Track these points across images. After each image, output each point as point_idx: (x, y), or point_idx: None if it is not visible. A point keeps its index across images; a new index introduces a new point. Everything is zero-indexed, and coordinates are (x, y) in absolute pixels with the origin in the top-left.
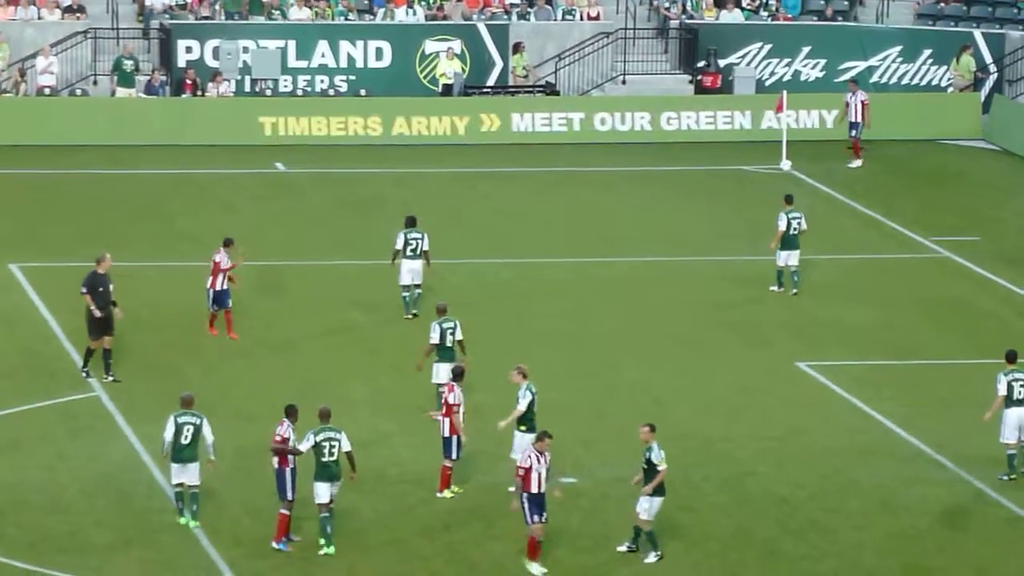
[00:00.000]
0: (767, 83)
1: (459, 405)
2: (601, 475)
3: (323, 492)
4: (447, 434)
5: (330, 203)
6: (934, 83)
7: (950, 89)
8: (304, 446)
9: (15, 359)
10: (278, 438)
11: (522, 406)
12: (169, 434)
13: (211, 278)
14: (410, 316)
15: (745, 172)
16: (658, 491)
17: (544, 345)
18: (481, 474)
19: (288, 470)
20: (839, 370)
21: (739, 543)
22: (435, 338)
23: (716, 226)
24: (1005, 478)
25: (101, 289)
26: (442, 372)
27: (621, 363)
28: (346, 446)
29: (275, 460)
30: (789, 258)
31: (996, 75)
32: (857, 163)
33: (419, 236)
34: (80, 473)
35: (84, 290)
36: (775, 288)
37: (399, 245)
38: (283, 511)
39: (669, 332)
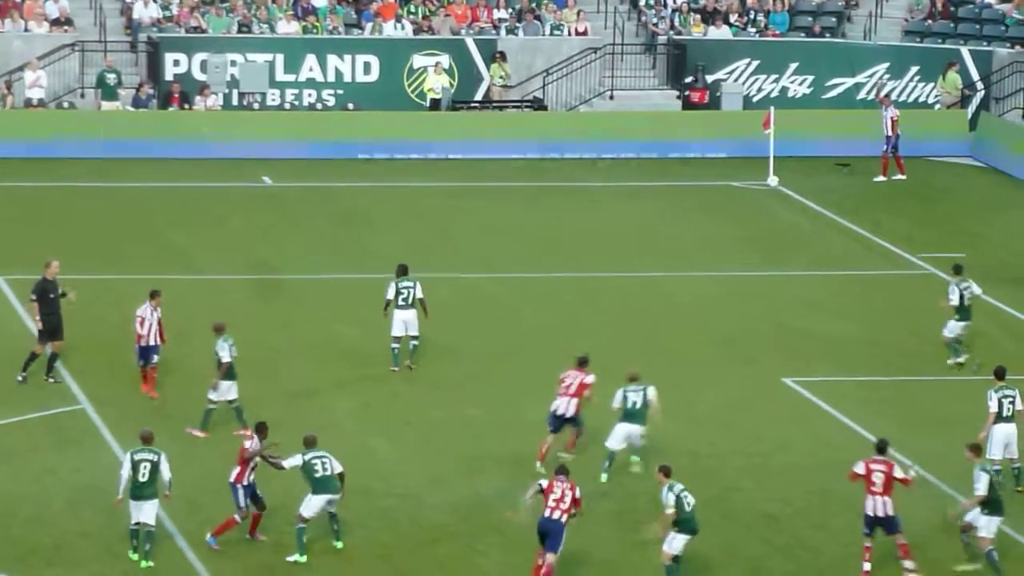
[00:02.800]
0: (755, 99)
1: None
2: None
3: (316, 505)
4: None
5: (318, 216)
6: (921, 100)
7: (937, 106)
8: (289, 463)
9: (2, 371)
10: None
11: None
12: (126, 471)
13: (137, 334)
14: (397, 368)
15: (734, 188)
16: (682, 530)
17: (533, 360)
18: (466, 490)
19: (241, 486)
20: (825, 386)
21: (726, 560)
22: (390, 295)
23: (704, 241)
24: None
25: (52, 296)
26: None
27: (610, 378)
28: (338, 467)
29: (234, 473)
30: (962, 328)
31: (983, 92)
32: (881, 178)
33: (411, 285)
34: (67, 485)
35: (33, 297)
36: (954, 360)
37: (390, 295)
38: (235, 517)
39: (657, 347)
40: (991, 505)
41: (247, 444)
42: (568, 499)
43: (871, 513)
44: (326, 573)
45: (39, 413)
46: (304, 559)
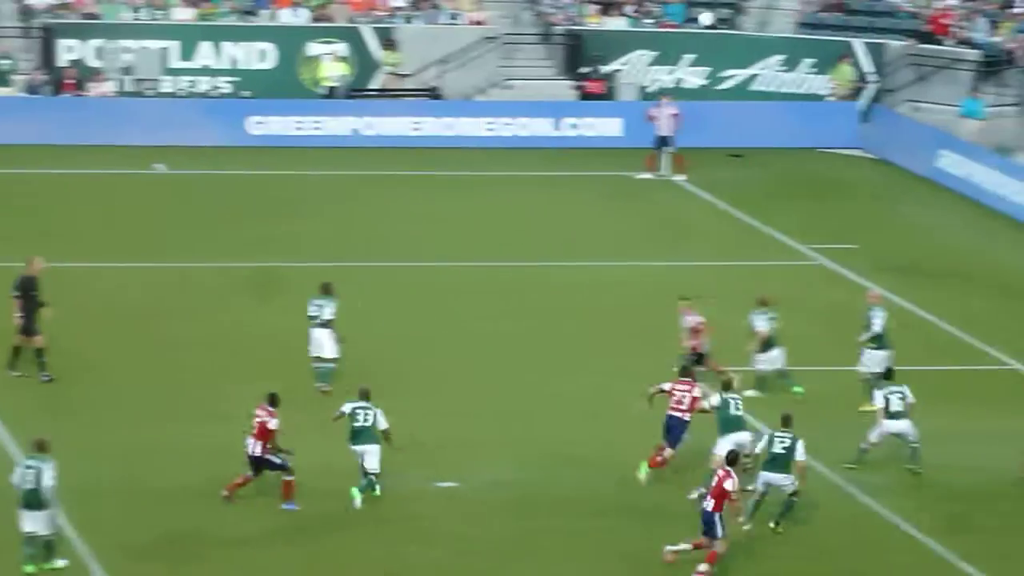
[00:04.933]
0: (650, 90)
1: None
2: (482, 478)
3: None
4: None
5: (212, 204)
6: (814, 91)
7: (830, 97)
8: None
9: None
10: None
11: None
12: (15, 479)
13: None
14: (320, 385)
15: (630, 178)
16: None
17: (446, 348)
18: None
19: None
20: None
21: (609, 553)
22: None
23: (601, 231)
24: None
25: (33, 292)
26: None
27: (522, 366)
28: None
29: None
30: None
31: (875, 84)
32: (657, 175)
33: (322, 303)
34: None
35: (16, 294)
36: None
37: (309, 312)
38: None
39: (570, 336)
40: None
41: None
42: (687, 400)
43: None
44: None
45: None
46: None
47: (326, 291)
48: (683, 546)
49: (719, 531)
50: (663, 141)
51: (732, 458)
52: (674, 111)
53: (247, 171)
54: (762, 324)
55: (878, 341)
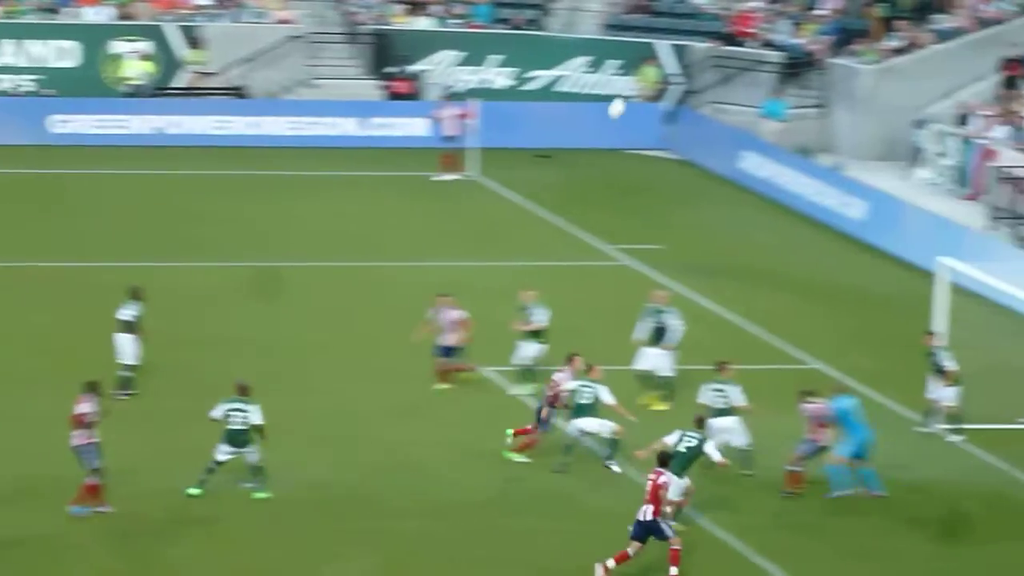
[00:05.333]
0: (457, 90)
1: None
2: (289, 479)
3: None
4: None
5: (19, 204)
6: (621, 92)
7: (636, 98)
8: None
9: None
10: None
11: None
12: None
13: None
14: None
15: (432, 179)
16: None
17: (236, 349)
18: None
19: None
20: (526, 376)
21: (425, 546)
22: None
23: (405, 232)
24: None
25: None
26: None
27: (310, 368)
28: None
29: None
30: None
31: (679, 86)
32: (452, 176)
33: (129, 307)
34: None
35: None
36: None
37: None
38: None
39: (360, 338)
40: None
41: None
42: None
43: (640, 517)
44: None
45: None
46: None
47: (134, 295)
48: (610, 563)
49: (669, 532)
50: (447, 141)
51: (663, 459)
52: (459, 111)
53: (48, 170)
54: (540, 317)
55: (660, 339)
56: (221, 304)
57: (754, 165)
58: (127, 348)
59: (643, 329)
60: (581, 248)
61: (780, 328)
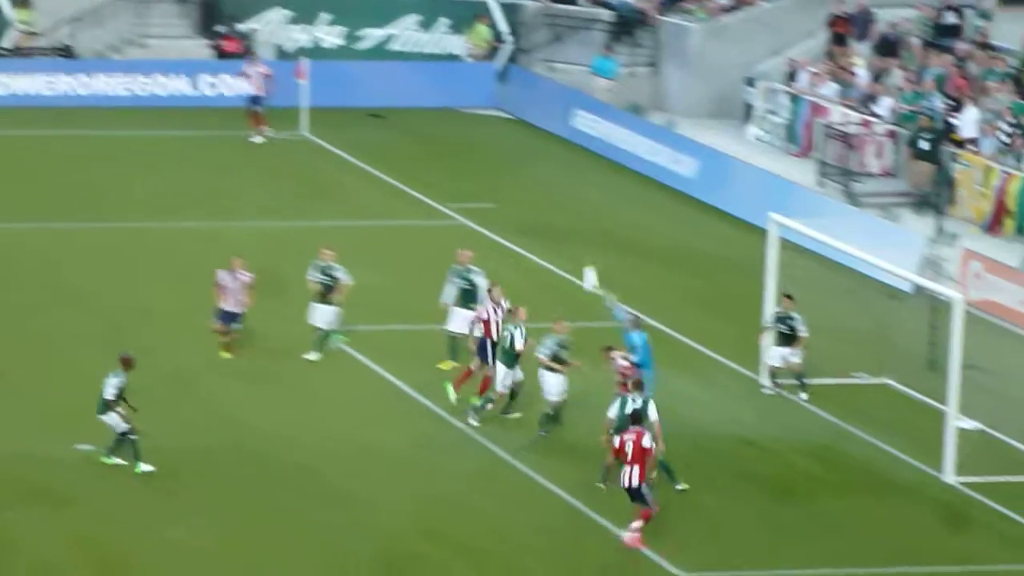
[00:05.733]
0: (288, 49)
1: None
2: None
3: None
4: None
5: None
6: (452, 52)
7: (467, 58)
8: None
9: None
10: None
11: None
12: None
13: None
14: None
15: (267, 138)
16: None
17: (47, 308)
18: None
19: None
20: (360, 336)
21: (266, 511)
22: None
23: (239, 192)
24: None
25: None
26: None
27: (130, 329)
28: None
29: None
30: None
31: (511, 45)
32: (259, 138)
33: None
34: None
35: None
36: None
37: None
38: None
39: (190, 300)
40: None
41: None
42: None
43: (624, 484)
44: None
45: None
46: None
47: None
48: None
49: (650, 500)
50: (255, 100)
51: (636, 416)
52: (265, 70)
53: None
54: (315, 277)
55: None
56: (53, 265)
57: (586, 123)
58: None
59: (450, 291)
60: (414, 207)
61: (610, 285)
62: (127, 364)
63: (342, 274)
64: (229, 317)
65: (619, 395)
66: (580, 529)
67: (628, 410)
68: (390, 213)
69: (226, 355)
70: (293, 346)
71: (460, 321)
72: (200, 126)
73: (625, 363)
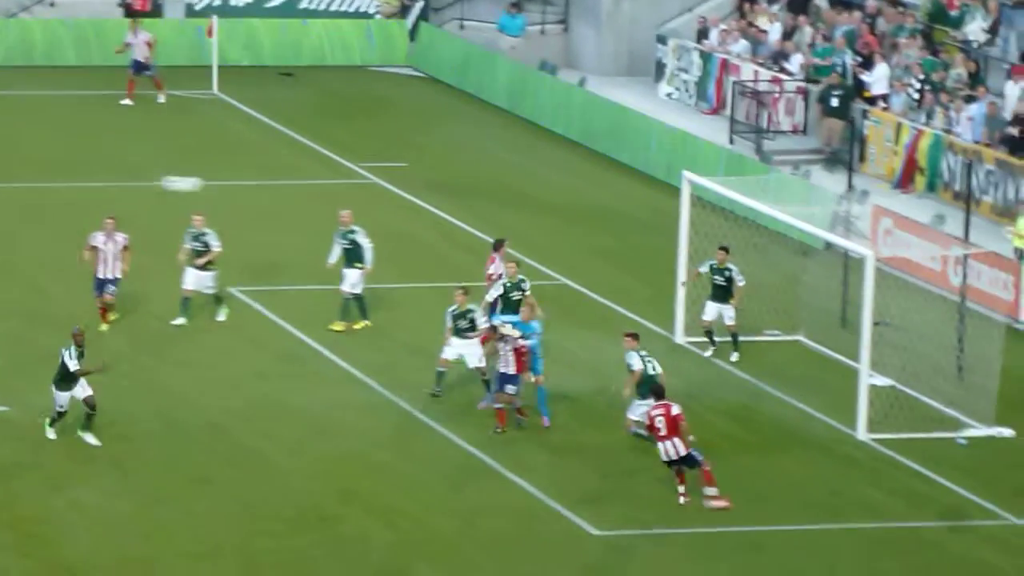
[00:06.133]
0: (197, 7)
1: None
2: (34, 402)
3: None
4: None
5: None
6: (362, 10)
7: (378, 16)
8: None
9: None
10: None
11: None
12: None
13: None
14: None
15: (177, 97)
16: (643, 395)
17: None
18: None
19: None
20: (272, 296)
21: (169, 471)
22: None
23: (148, 151)
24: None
25: None
26: None
27: (48, 289)
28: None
29: None
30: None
31: (422, 2)
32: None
33: None
34: None
35: None
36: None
37: None
38: None
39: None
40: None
41: None
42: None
43: (665, 459)
44: None
45: None
46: None
47: None
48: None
49: (700, 458)
50: (139, 66)
51: (658, 391)
52: (148, 37)
53: None
54: (212, 242)
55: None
56: None
57: (496, 81)
58: None
59: (335, 252)
60: (330, 166)
61: (525, 245)
62: (78, 339)
63: (213, 240)
64: (103, 284)
65: (632, 351)
66: (491, 486)
67: (650, 370)
68: (301, 172)
69: (104, 326)
70: (202, 307)
71: (349, 281)
72: (104, 85)
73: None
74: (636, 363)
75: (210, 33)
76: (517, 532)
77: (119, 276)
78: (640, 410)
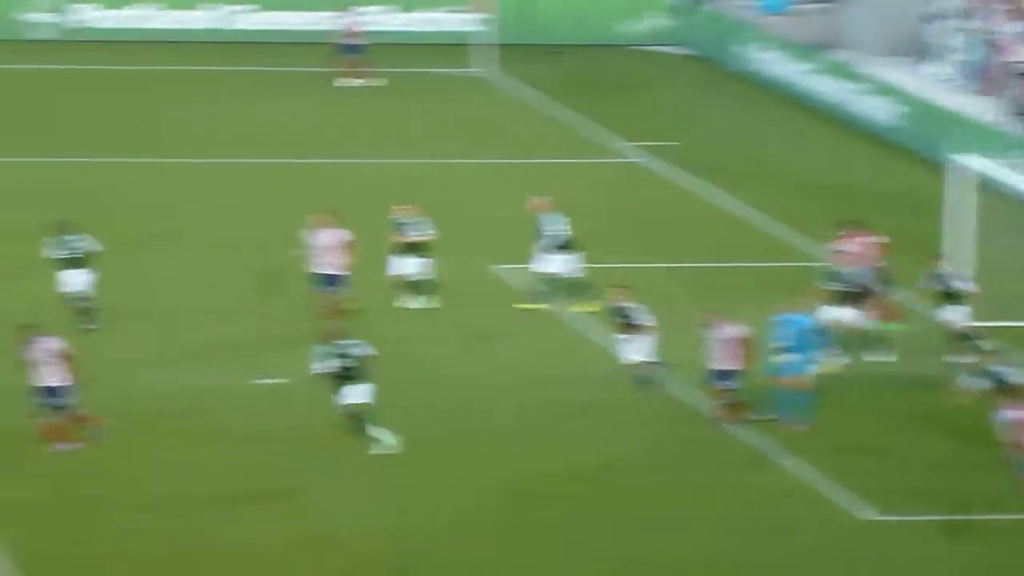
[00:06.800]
0: None
1: None
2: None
3: None
4: None
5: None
6: None
7: None
8: None
9: None
10: None
11: None
12: None
13: None
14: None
15: (436, 75)
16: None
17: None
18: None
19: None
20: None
21: (428, 444)
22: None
23: (415, 128)
24: None
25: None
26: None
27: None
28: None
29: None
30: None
31: None
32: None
33: (71, 239)
34: None
35: None
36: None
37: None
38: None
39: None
40: None
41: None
42: None
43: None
44: None
45: None
46: None
47: (66, 229)
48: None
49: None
50: (352, 48)
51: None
52: (358, 21)
53: None
54: (423, 230)
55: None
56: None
57: (768, 61)
58: (78, 281)
59: (548, 237)
60: (593, 146)
61: (794, 224)
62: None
63: (426, 227)
64: (328, 281)
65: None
66: None
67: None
68: (564, 151)
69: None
70: (467, 286)
71: (555, 264)
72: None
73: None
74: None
75: (480, 10)
76: None
77: (339, 272)
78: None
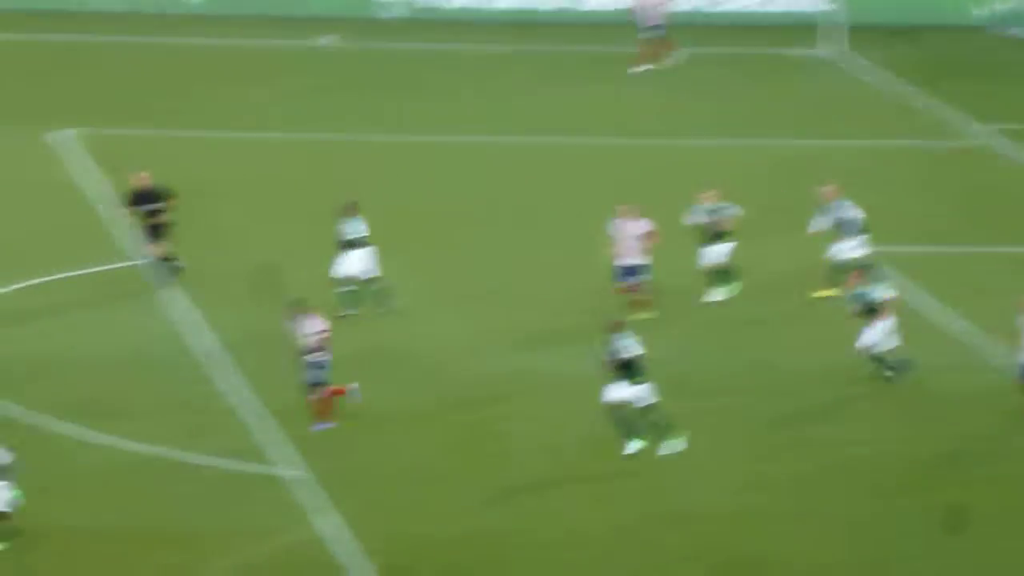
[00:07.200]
0: None
1: None
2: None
3: None
4: None
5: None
6: None
7: None
8: None
9: (61, 226)
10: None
11: None
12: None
13: None
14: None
15: (784, 56)
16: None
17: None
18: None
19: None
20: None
21: (772, 428)
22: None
23: (759, 111)
24: None
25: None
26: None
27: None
28: None
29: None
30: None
31: None
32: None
33: (353, 223)
34: (122, 341)
35: (128, 207)
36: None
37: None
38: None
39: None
40: None
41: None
42: None
43: None
44: None
45: (95, 268)
46: None
47: (351, 211)
48: None
49: None
50: (651, 30)
51: None
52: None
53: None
54: (730, 213)
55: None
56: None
57: None
58: (357, 263)
59: (822, 222)
60: (946, 127)
61: None
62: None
63: (729, 211)
64: (628, 272)
65: None
66: None
67: None
68: (912, 132)
69: (641, 316)
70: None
71: (848, 251)
72: (719, 42)
73: None
74: None
75: None
76: None
77: (641, 263)
78: None
